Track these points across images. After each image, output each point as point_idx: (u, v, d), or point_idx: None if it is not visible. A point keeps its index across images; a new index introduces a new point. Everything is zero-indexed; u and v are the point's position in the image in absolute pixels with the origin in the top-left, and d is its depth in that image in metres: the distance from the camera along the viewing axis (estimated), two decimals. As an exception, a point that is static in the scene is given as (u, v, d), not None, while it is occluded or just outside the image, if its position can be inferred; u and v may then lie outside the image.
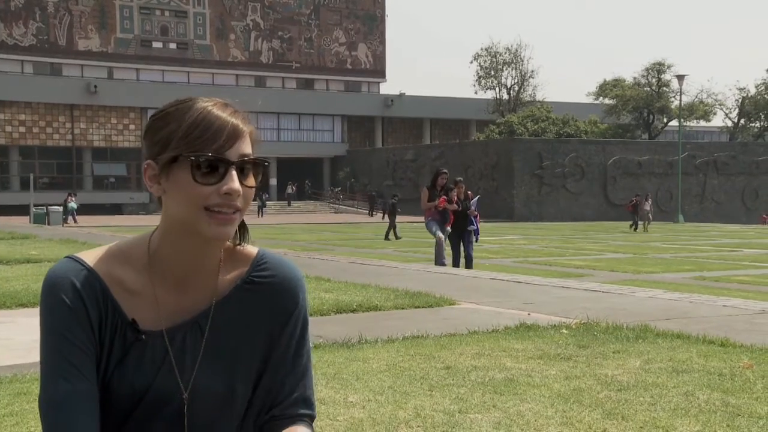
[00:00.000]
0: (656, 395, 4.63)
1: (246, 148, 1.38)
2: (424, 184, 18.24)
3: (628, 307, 8.23)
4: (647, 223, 33.66)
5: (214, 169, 1.34)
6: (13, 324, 7.42)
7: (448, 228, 14.28)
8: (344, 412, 4.26)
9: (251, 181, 1.39)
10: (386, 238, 25.55)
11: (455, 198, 14.25)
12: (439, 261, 14.36)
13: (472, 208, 14.56)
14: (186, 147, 1.34)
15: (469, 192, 14.87)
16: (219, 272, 1.45)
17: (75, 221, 40.39)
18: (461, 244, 14.47)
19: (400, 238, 25.52)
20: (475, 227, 14.68)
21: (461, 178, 15.54)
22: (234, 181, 1.34)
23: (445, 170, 14.94)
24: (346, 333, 6.51)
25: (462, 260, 14.48)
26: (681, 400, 4.52)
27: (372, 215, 49.90)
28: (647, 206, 34.14)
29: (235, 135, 1.36)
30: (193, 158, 1.33)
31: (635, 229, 32.94)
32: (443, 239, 14.30)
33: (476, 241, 15.09)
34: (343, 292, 9.22)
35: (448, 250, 14.59)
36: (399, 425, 4.07)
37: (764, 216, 46.23)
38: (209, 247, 1.42)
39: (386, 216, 27.08)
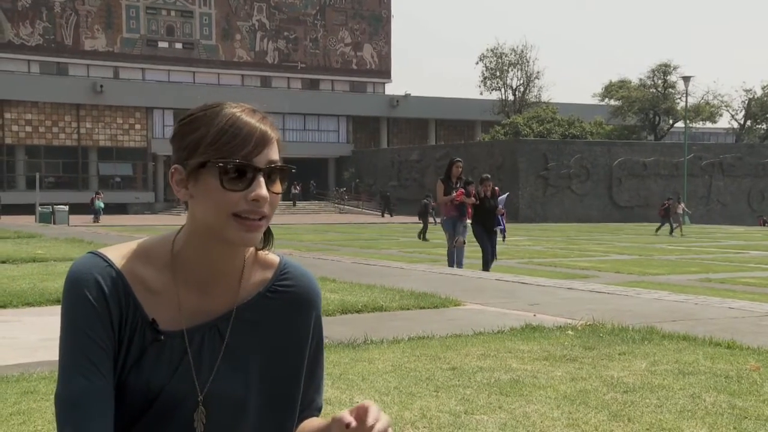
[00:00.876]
0: (662, 397, 4.62)
1: (274, 154, 1.39)
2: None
3: (633, 309, 8.21)
4: (680, 226, 31.88)
5: (242, 175, 1.34)
6: (19, 323, 7.44)
7: (467, 222, 13.37)
8: (350, 413, 4.25)
9: (278, 187, 1.40)
10: (424, 238, 26.17)
11: (473, 191, 13.37)
12: (450, 265, 13.71)
13: (500, 206, 13.75)
14: (214, 153, 1.35)
15: (496, 189, 13.95)
16: (242, 277, 1.46)
17: (98, 220, 40.99)
18: (488, 241, 13.67)
19: (426, 240, 25.94)
20: (502, 226, 13.88)
21: (488, 175, 14.56)
22: (262, 188, 1.35)
23: (459, 159, 13.87)
24: (351, 333, 6.51)
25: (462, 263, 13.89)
26: (687, 402, 4.51)
27: (384, 216, 49.77)
28: (680, 209, 32.78)
29: (263, 141, 1.37)
30: (221, 164, 1.34)
31: (670, 232, 31.19)
32: (454, 249, 13.57)
33: (503, 241, 14.17)
34: (349, 293, 9.21)
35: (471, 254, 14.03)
36: (405, 426, 4.07)
37: (763, 218, 45.84)
38: (233, 252, 1.42)
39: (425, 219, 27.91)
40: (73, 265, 1.41)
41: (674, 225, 32.01)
